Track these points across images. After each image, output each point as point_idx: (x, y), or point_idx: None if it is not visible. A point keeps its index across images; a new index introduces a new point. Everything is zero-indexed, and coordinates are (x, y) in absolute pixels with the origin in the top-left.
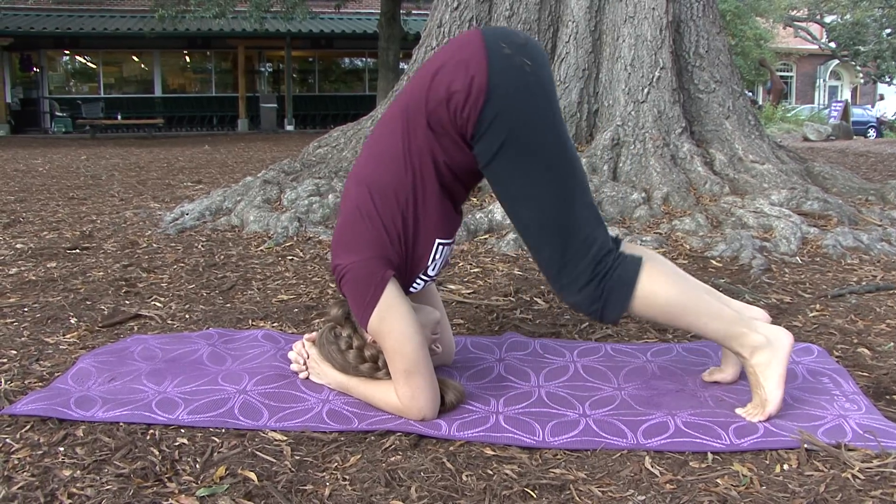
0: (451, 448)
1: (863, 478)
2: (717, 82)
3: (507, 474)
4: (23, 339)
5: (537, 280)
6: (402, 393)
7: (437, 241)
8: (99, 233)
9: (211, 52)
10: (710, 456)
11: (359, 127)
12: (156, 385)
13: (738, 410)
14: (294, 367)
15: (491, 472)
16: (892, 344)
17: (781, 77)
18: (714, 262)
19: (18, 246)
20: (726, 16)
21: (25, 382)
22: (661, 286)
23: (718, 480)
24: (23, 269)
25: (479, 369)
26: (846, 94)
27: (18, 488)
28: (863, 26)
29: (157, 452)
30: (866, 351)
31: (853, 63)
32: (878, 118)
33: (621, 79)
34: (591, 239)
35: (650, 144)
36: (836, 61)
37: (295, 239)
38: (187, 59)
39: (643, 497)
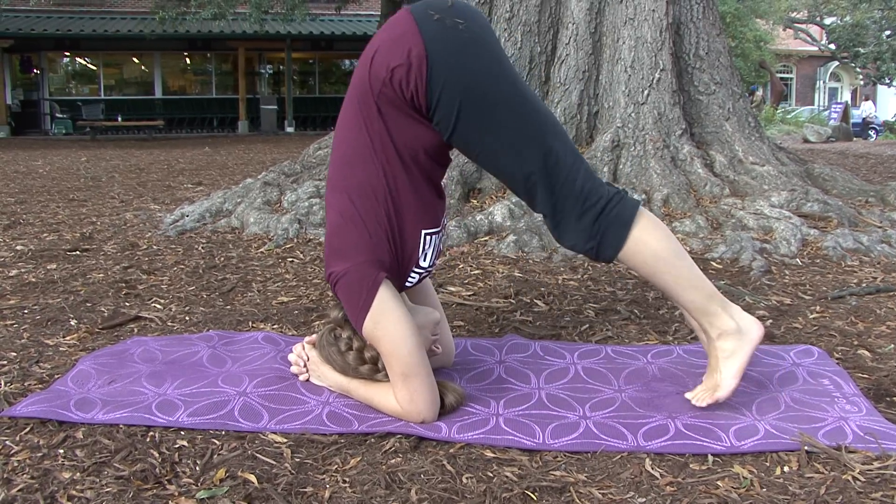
0: (452, 450)
1: (863, 480)
2: (718, 84)
3: (507, 476)
4: (23, 340)
5: (537, 282)
6: (401, 396)
7: (424, 231)
8: (99, 234)
9: (211, 54)
10: (710, 458)
11: None
12: (156, 387)
13: (688, 395)
14: (294, 369)
15: (491, 475)
16: (892, 346)
17: (781, 79)
18: (714, 263)
19: (18, 247)
20: (726, 18)
21: (25, 384)
22: (653, 236)
23: (719, 482)
24: (23, 270)
25: (480, 371)
26: (846, 96)
27: (18, 490)
28: (862, 28)
29: (156, 454)
30: (867, 353)
31: (853, 65)
32: (863, 119)
33: (621, 81)
34: (574, 171)
35: (650, 146)
36: (836, 63)
37: (295, 241)
38: (188, 60)
39: (643, 499)
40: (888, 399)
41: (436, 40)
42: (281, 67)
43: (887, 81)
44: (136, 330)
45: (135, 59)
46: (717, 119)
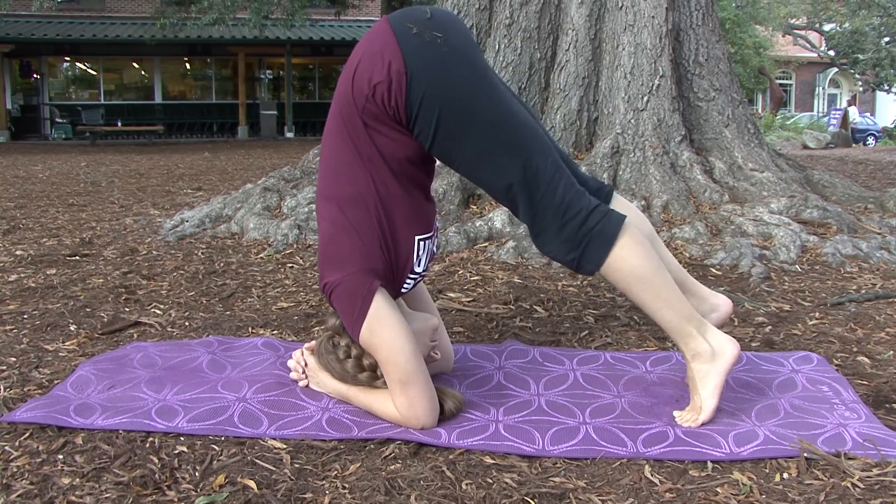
0: (451, 456)
1: (863, 487)
2: (717, 90)
3: (506, 483)
4: (22, 346)
5: (537, 288)
6: (400, 403)
7: (417, 237)
8: (99, 240)
9: (211, 59)
10: (709, 464)
11: None
12: (155, 393)
13: (675, 414)
14: (293, 375)
15: (491, 481)
16: (891, 352)
17: (780, 85)
18: (714, 270)
19: (18, 252)
20: (725, 24)
21: (25, 390)
22: (634, 254)
23: (718, 489)
24: (22, 275)
25: (479, 377)
26: (845, 102)
27: (17, 496)
28: (861, 35)
29: (156, 460)
30: (866, 359)
31: (852, 71)
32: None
33: (621, 87)
34: (554, 183)
35: (650, 152)
36: (835, 69)
37: (295, 246)
38: (187, 66)
39: None
40: (887, 406)
41: (415, 55)
42: (281, 73)
43: (886, 88)
44: (135, 335)
45: (135, 64)
46: (717, 125)
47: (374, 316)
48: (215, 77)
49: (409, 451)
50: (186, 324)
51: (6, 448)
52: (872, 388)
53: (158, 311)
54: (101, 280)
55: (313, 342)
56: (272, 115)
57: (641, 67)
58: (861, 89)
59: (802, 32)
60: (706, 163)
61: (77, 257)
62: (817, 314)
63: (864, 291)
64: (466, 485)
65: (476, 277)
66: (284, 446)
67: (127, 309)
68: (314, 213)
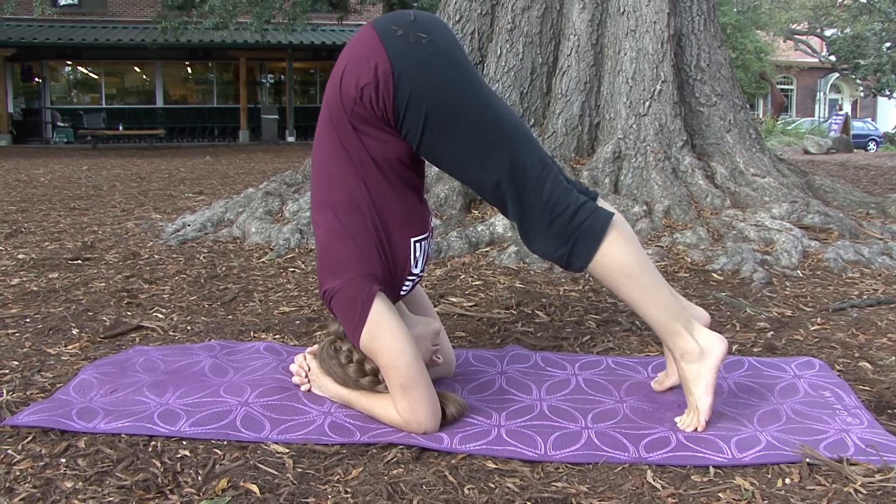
0: (453, 461)
1: (865, 492)
2: (719, 96)
3: (508, 488)
4: (24, 349)
5: (539, 293)
6: (402, 408)
7: (413, 239)
8: (101, 243)
9: (213, 64)
10: (711, 470)
11: None
12: (158, 397)
13: (677, 420)
14: (296, 379)
15: (493, 486)
16: (893, 358)
17: (782, 90)
18: (715, 275)
19: (20, 256)
20: (727, 29)
21: (27, 393)
22: (623, 250)
23: (720, 494)
24: (25, 279)
25: (481, 382)
26: (846, 107)
27: (20, 500)
28: (863, 40)
29: (158, 464)
30: (868, 365)
31: (853, 76)
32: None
33: (623, 92)
34: (542, 180)
35: (651, 157)
36: (837, 74)
37: (297, 251)
38: (189, 70)
39: None
40: (889, 411)
41: (400, 56)
42: (282, 77)
43: (887, 93)
44: (137, 339)
45: (136, 69)
46: (719, 131)
47: (374, 321)
48: (217, 81)
49: (412, 456)
50: (188, 328)
51: (9, 452)
52: (874, 393)
53: (160, 315)
54: (103, 284)
55: (315, 347)
56: (273, 119)
57: (643, 73)
58: (862, 94)
59: (804, 38)
60: (708, 168)
61: (79, 261)
62: (819, 320)
63: (865, 297)
64: (469, 489)
65: (478, 282)
66: (287, 450)
67: (129, 313)
68: None
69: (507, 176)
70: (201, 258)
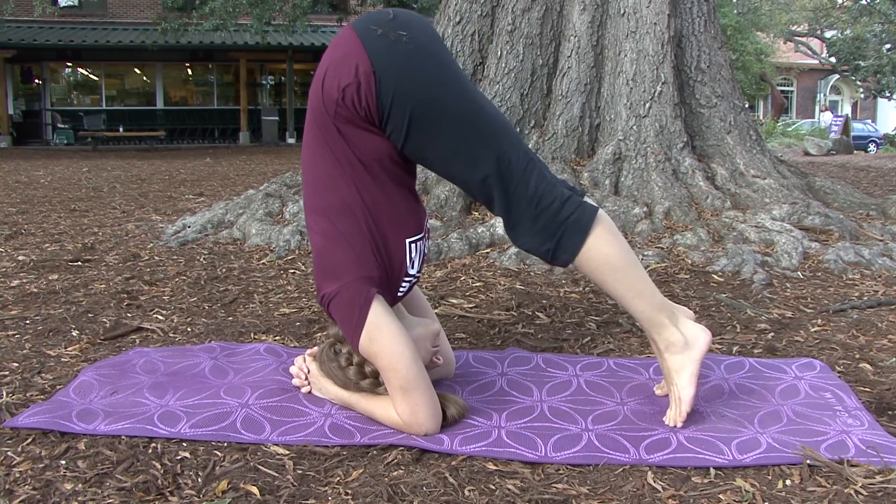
0: (454, 463)
1: (866, 494)
2: (719, 97)
3: (509, 489)
4: (24, 351)
5: (539, 294)
6: (402, 410)
7: (408, 240)
8: (101, 245)
9: (213, 65)
10: (712, 471)
11: None
12: (158, 398)
13: (665, 420)
14: (296, 381)
15: (493, 487)
16: (894, 359)
17: (782, 91)
18: (716, 276)
19: (20, 258)
20: (727, 31)
21: (27, 395)
22: (609, 243)
23: (721, 496)
24: (24, 281)
25: (481, 384)
26: (846, 109)
27: (20, 502)
28: (863, 41)
29: (158, 466)
30: (868, 366)
31: (853, 78)
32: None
33: (623, 93)
34: (527, 174)
35: (652, 159)
36: (837, 76)
37: (297, 252)
38: (189, 71)
39: None
40: (890, 412)
41: (381, 55)
42: (282, 78)
43: (888, 95)
44: (137, 341)
45: (136, 70)
46: (719, 132)
47: (372, 324)
48: (217, 83)
49: (412, 458)
50: (189, 329)
51: (9, 454)
52: (875, 395)
53: (160, 317)
54: (103, 285)
55: (315, 349)
56: (274, 120)
57: (643, 74)
58: (862, 96)
59: (804, 39)
60: (708, 169)
61: (79, 263)
62: (819, 321)
63: (866, 298)
64: (469, 491)
65: (478, 283)
66: (287, 452)
67: (129, 314)
68: None
69: (494, 170)
70: (201, 260)
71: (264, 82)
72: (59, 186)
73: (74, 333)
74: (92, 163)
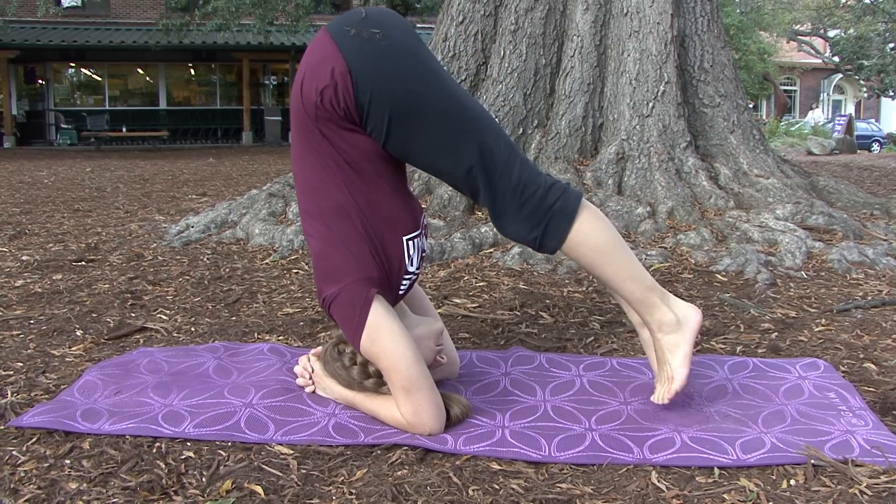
0: (458, 462)
1: (870, 494)
2: (722, 96)
3: (513, 489)
4: (29, 351)
5: (543, 294)
6: (405, 410)
7: (405, 238)
8: (104, 245)
9: (216, 65)
10: (716, 471)
11: None
12: (162, 398)
13: (652, 398)
14: (300, 381)
15: (497, 487)
16: None
17: (785, 91)
18: (719, 276)
19: (24, 258)
20: (730, 30)
21: (32, 395)
22: (596, 229)
23: (725, 496)
24: (28, 281)
25: (485, 383)
26: (850, 108)
27: (25, 501)
28: (866, 41)
29: (163, 465)
30: (872, 366)
31: (857, 77)
32: (811, 127)
33: (626, 93)
34: (509, 164)
35: (655, 158)
36: (840, 75)
37: (300, 252)
38: (192, 71)
39: None
40: (895, 412)
41: (355, 54)
42: (285, 79)
43: (891, 94)
44: (141, 341)
45: (139, 70)
46: (722, 131)
47: (373, 325)
48: (220, 83)
49: (416, 457)
50: (192, 329)
51: (14, 453)
52: (879, 394)
53: (164, 317)
54: (106, 285)
55: (319, 348)
56: (276, 120)
57: (647, 73)
58: (866, 95)
59: (807, 38)
60: (711, 169)
61: (83, 263)
62: (823, 321)
63: (870, 298)
64: (473, 491)
65: (481, 283)
66: (291, 452)
67: (133, 314)
68: None
69: (477, 161)
70: (205, 260)
71: (267, 82)
72: (63, 187)
73: (78, 333)
74: (95, 163)
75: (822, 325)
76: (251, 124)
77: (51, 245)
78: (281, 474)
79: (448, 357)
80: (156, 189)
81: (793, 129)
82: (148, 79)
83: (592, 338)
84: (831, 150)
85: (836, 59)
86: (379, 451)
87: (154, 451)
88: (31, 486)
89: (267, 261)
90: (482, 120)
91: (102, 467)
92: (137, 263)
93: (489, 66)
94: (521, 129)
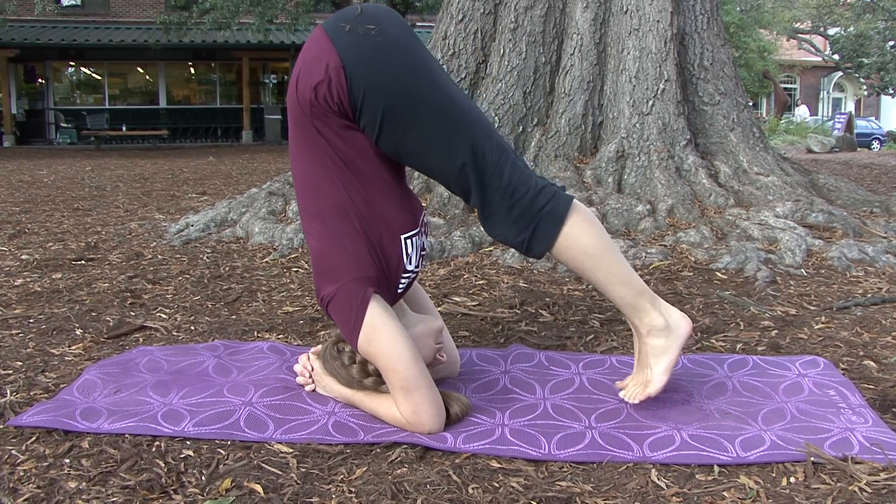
0: (457, 460)
1: (870, 491)
2: (722, 94)
3: (513, 487)
4: (28, 350)
5: (542, 292)
6: (404, 409)
7: (403, 236)
8: (104, 244)
9: (215, 64)
10: (716, 469)
11: None
12: (161, 397)
13: (621, 394)
14: (300, 380)
15: (497, 485)
16: None
17: (785, 89)
18: (719, 274)
19: (24, 257)
20: (730, 28)
21: (31, 394)
22: (585, 233)
23: (725, 493)
24: (28, 280)
25: (485, 381)
26: (850, 106)
27: (24, 500)
28: (866, 38)
29: (162, 464)
30: (872, 363)
31: (857, 75)
32: (796, 124)
33: (626, 91)
34: (500, 165)
35: (655, 157)
36: (840, 73)
37: (300, 250)
38: (192, 70)
39: None
40: (894, 410)
41: (349, 50)
42: (285, 77)
43: (891, 92)
44: (141, 339)
45: (139, 69)
46: (722, 129)
47: (370, 325)
48: (220, 81)
49: (416, 455)
50: (192, 328)
51: (13, 452)
52: (879, 392)
53: (164, 316)
54: (106, 284)
55: (319, 347)
56: (276, 119)
57: (646, 71)
58: (866, 93)
59: (807, 36)
60: (711, 167)
61: (82, 262)
62: (823, 318)
63: (869, 295)
64: (473, 489)
65: (481, 281)
66: (291, 450)
67: (132, 313)
68: None
69: (469, 160)
70: (205, 258)
71: (267, 81)
72: (63, 185)
73: (78, 332)
74: (95, 162)
75: (822, 323)
76: (251, 123)
77: (50, 244)
78: (280, 473)
79: (448, 355)
80: (156, 188)
81: (792, 126)
82: (148, 78)
83: (592, 336)
84: (831, 147)
85: (836, 56)
86: (378, 450)
87: (153, 449)
88: (31, 485)
89: (267, 259)
90: (475, 120)
91: (102, 466)
92: (137, 262)
93: (489, 65)
94: (521, 128)
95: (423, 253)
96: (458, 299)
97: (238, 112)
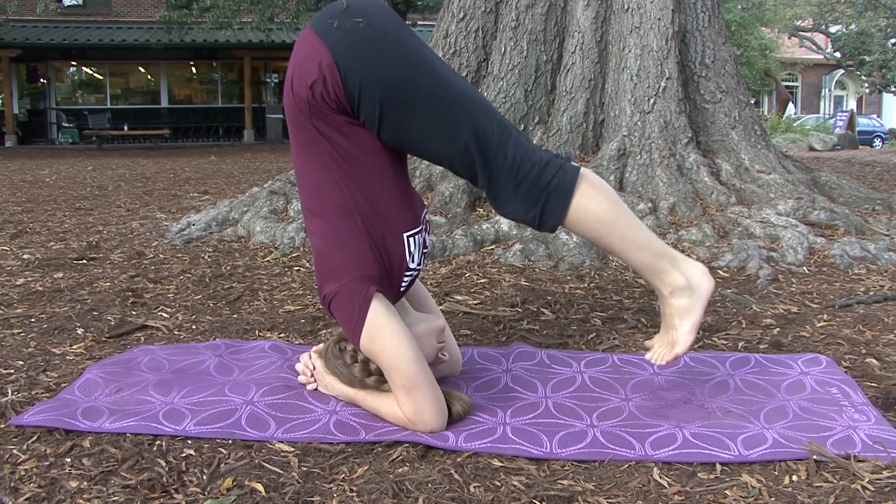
0: (459, 459)
1: (873, 489)
2: (724, 92)
3: (514, 486)
4: (30, 349)
5: (544, 291)
6: (406, 408)
7: (405, 234)
8: (105, 243)
9: (217, 63)
10: (718, 467)
11: None
12: (163, 396)
13: (647, 355)
14: (301, 378)
15: (499, 484)
16: None
17: (786, 87)
18: (721, 272)
19: (25, 256)
20: (731, 26)
21: (32, 393)
22: (595, 201)
23: (727, 492)
24: (30, 279)
25: (486, 380)
26: (851, 104)
27: (25, 499)
28: (868, 36)
29: (163, 464)
30: (874, 361)
31: (858, 73)
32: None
33: (627, 89)
34: (503, 143)
35: (656, 155)
36: (842, 71)
37: (301, 249)
38: (193, 70)
39: None
40: None
41: (339, 45)
42: None
43: (893, 89)
44: (142, 339)
45: (141, 69)
46: (724, 127)
47: (372, 323)
48: (221, 81)
49: (417, 454)
50: (193, 327)
51: (14, 451)
52: (881, 390)
53: (165, 315)
54: (108, 283)
55: (320, 346)
56: (278, 118)
57: (648, 69)
58: (867, 91)
59: (808, 34)
60: (713, 165)
61: (84, 261)
62: (825, 316)
63: (872, 293)
64: (474, 487)
65: (483, 280)
66: (292, 449)
67: (134, 312)
68: None
69: (473, 141)
70: (206, 257)
71: (268, 80)
72: (64, 185)
73: (79, 331)
74: (97, 161)
75: (824, 321)
76: (253, 122)
77: (52, 243)
78: (282, 472)
79: (450, 354)
80: (157, 187)
81: (794, 124)
82: (149, 77)
83: (594, 334)
84: (833, 145)
85: (838, 54)
86: (380, 449)
87: (155, 449)
88: (32, 484)
89: (268, 258)
90: (474, 101)
91: (103, 465)
92: (139, 261)
93: (490, 63)
94: (523, 126)
95: (425, 251)
96: (459, 298)
97: (240, 111)
